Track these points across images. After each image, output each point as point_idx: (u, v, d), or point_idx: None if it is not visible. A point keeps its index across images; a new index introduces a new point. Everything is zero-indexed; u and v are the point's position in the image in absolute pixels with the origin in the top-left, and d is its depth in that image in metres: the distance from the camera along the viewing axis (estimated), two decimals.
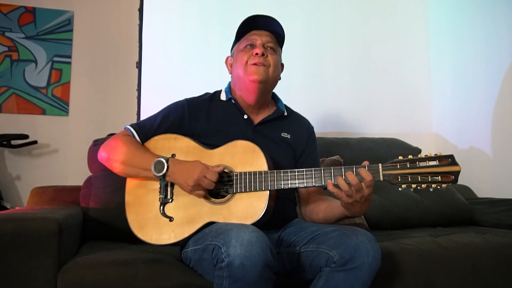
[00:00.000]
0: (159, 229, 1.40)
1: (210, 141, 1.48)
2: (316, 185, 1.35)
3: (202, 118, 1.54)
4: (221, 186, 1.40)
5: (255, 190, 1.36)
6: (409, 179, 1.27)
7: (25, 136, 2.38)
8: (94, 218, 1.87)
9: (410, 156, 1.30)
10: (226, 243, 1.15)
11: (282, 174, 1.36)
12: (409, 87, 3.08)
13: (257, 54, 1.50)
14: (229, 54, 1.66)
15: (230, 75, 1.64)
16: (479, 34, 2.74)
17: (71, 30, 2.56)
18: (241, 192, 1.37)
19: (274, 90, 1.64)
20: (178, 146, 1.47)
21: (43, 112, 2.49)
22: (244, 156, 1.40)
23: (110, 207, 1.87)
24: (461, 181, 1.30)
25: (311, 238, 1.36)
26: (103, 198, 1.91)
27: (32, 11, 2.52)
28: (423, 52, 3.14)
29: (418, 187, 1.27)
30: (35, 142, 2.41)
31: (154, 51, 2.66)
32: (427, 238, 1.85)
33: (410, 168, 1.28)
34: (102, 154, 1.50)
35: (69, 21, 2.56)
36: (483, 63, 2.70)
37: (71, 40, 2.56)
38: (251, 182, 1.36)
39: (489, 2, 2.68)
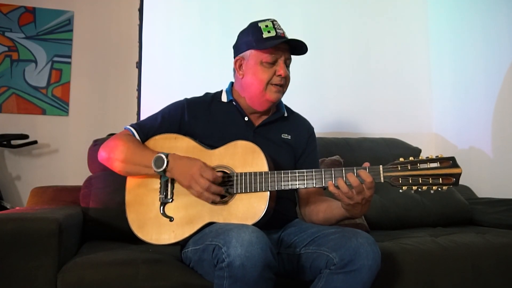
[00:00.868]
0: (159, 229, 1.40)
1: (210, 142, 1.48)
2: (317, 186, 1.34)
3: (202, 119, 1.54)
4: (221, 186, 1.40)
5: (256, 191, 1.35)
6: (410, 181, 1.27)
7: (25, 136, 2.38)
8: (94, 218, 1.87)
9: (411, 158, 1.29)
10: (226, 243, 1.15)
11: (282, 175, 1.35)
12: (409, 87, 3.08)
13: (280, 75, 1.47)
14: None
15: (234, 74, 1.59)
16: (479, 34, 2.74)
17: (71, 30, 2.56)
18: (241, 192, 1.37)
19: None
20: (179, 146, 1.47)
21: (43, 112, 2.49)
22: (244, 157, 1.40)
23: (110, 207, 1.87)
24: (461, 181, 1.30)
25: (311, 240, 1.36)
26: (103, 198, 1.91)
27: (32, 11, 2.52)
28: (423, 52, 3.14)
29: (419, 189, 1.26)
30: (35, 142, 2.41)
31: (154, 51, 2.66)
32: (427, 238, 1.85)
33: (411, 170, 1.27)
34: (102, 154, 1.50)
35: (69, 21, 2.56)
36: (483, 63, 2.70)
37: (71, 40, 2.56)
38: (252, 182, 1.36)
39: (489, 2, 2.68)
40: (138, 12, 2.65)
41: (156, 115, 1.56)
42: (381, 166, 1.29)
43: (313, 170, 1.35)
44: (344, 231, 1.32)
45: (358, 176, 1.27)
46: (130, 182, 1.48)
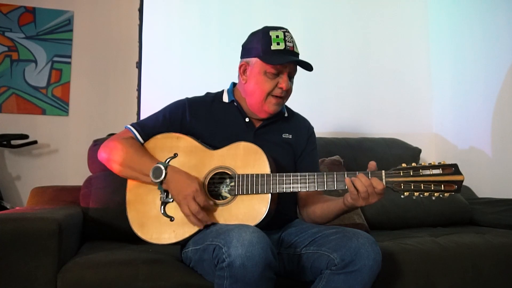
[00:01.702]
0: (160, 229, 1.40)
1: (211, 142, 1.48)
2: (319, 189, 1.34)
3: (202, 119, 1.54)
4: (222, 187, 1.40)
5: (257, 192, 1.35)
6: (412, 187, 1.27)
7: (25, 136, 2.38)
8: (94, 218, 1.87)
9: (413, 164, 1.29)
10: (227, 243, 1.15)
11: (284, 178, 1.35)
12: (409, 87, 3.08)
13: (282, 87, 1.47)
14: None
15: (238, 79, 1.58)
16: (479, 34, 2.74)
17: (71, 30, 2.56)
18: (242, 194, 1.36)
19: None
20: (181, 146, 1.46)
21: (43, 112, 2.49)
22: (246, 158, 1.39)
23: (110, 207, 1.87)
24: None
25: (312, 240, 1.36)
26: (103, 198, 1.91)
27: (32, 11, 2.52)
28: (423, 52, 3.14)
29: (421, 195, 1.27)
30: (35, 142, 2.41)
31: (154, 51, 2.66)
32: (427, 238, 1.85)
33: (413, 176, 1.27)
34: (102, 155, 1.50)
35: (69, 21, 2.56)
36: (483, 63, 2.70)
37: (71, 40, 2.56)
38: (253, 184, 1.35)
39: (489, 2, 2.68)
40: (138, 12, 2.65)
41: (157, 114, 1.56)
42: (383, 171, 1.30)
43: (315, 173, 1.35)
44: (345, 231, 1.32)
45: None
46: (131, 181, 1.48)
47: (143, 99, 2.60)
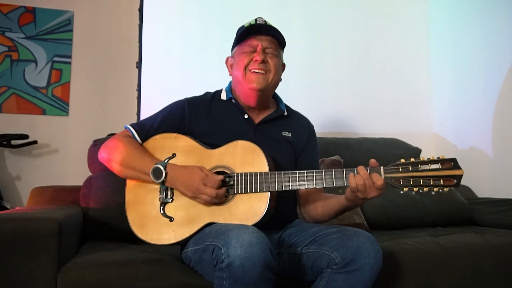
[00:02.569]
0: (160, 229, 1.40)
1: (211, 141, 1.48)
2: (317, 187, 1.35)
3: (202, 118, 1.54)
4: (221, 187, 1.40)
5: (256, 191, 1.35)
6: (411, 182, 1.27)
7: (25, 136, 2.38)
8: (94, 218, 1.87)
9: (412, 159, 1.29)
10: (226, 243, 1.15)
11: (283, 176, 1.35)
12: (409, 87, 3.08)
13: (256, 60, 1.49)
14: (229, 53, 1.65)
15: (230, 75, 1.63)
16: (479, 35, 2.74)
17: (71, 30, 2.56)
18: (241, 193, 1.37)
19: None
20: (179, 145, 1.47)
21: (43, 112, 2.49)
22: (244, 157, 1.40)
23: (110, 207, 1.87)
24: (461, 181, 1.30)
25: (312, 239, 1.36)
26: (103, 198, 1.91)
27: (32, 11, 2.52)
28: (423, 52, 3.14)
29: (420, 191, 1.26)
30: (35, 142, 2.41)
31: (154, 51, 2.66)
32: (427, 238, 1.85)
33: (412, 171, 1.27)
34: (102, 155, 1.50)
35: (69, 21, 2.56)
36: (483, 63, 2.70)
37: (71, 40, 2.56)
38: (252, 183, 1.36)
39: (489, 3, 2.68)
40: (138, 12, 2.65)
41: (156, 115, 1.56)
42: (382, 167, 1.30)
43: (314, 171, 1.35)
44: (346, 230, 1.32)
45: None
46: (130, 181, 1.48)
47: (143, 99, 2.60)
